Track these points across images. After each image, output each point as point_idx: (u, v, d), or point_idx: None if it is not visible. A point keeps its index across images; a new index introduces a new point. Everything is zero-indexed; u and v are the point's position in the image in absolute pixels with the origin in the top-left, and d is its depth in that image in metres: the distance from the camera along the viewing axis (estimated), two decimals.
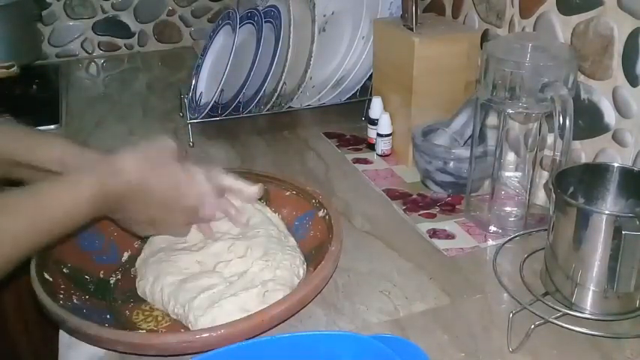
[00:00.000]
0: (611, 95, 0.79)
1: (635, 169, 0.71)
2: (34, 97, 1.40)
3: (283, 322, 0.64)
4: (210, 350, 0.54)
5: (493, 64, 0.76)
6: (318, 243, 0.76)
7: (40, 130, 0.74)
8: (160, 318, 0.69)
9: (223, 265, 0.72)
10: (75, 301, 0.67)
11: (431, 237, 0.84)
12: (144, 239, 0.79)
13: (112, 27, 1.67)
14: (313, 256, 0.75)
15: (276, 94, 1.12)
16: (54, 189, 0.61)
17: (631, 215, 0.61)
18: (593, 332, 0.64)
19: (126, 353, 0.62)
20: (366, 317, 0.70)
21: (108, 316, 0.68)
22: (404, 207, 0.92)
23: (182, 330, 0.67)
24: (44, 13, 1.58)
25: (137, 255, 0.77)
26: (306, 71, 1.11)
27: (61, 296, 0.66)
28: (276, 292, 0.66)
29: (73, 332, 0.61)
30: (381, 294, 0.73)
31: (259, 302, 0.65)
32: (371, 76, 1.15)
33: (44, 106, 1.32)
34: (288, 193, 0.84)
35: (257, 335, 0.61)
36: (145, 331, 0.68)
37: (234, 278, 0.70)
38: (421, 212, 0.90)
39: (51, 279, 0.67)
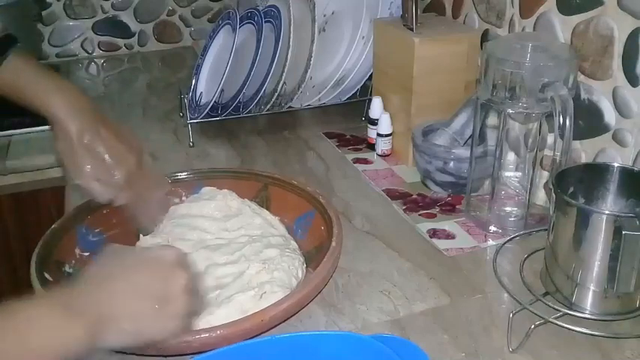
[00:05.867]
0: (611, 95, 0.79)
1: (635, 169, 0.71)
2: None
3: (283, 322, 0.64)
4: (209, 350, 0.54)
5: (493, 64, 0.76)
6: (318, 243, 0.76)
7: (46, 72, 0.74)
8: None
9: (214, 267, 0.72)
10: None
11: (431, 237, 0.84)
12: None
13: (112, 27, 1.67)
14: (313, 256, 0.75)
15: (276, 94, 1.12)
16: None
17: (631, 215, 0.61)
18: (593, 332, 0.64)
19: (126, 353, 0.62)
20: (366, 317, 0.70)
21: None
22: (404, 207, 0.92)
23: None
24: (44, 13, 1.59)
25: None
26: (306, 71, 1.11)
27: None
28: (274, 295, 0.66)
29: None
30: (381, 294, 0.73)
31: (255, 304, 0.65)
32: (371, 76, 1.15)
33: None
34: (288, 193, 0.84)
35: (256, 335, 0.61)
36: None
37: (228, 280, 0.70)
38: (421, 212, 0.90)
39: (51, 279, 0.67)
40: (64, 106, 0.70)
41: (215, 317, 0.64)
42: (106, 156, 0.71)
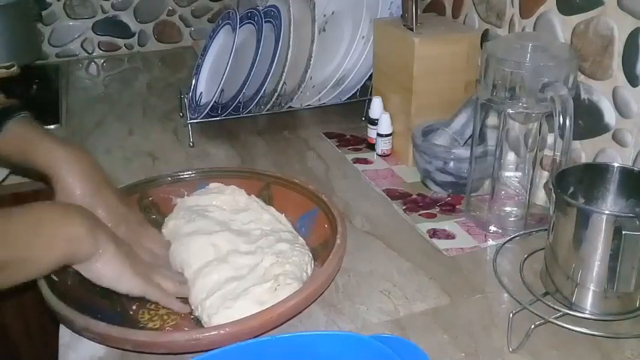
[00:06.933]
0: (611, 95, 0.79)
1: (635, 169, 0.71)
2: (34, 97, 1.40)
3: (288, 320, 0.65)
4: (217, 348, 0.54)
5: (493, 64, 0.76)
6: (322, 241, 0.77)
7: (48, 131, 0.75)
8: (165, 317, 0.70)
9: (235, 255, 0.73)
10: (81, 300, 0.67)
11: (431, 237, 0.84)
12: None
13: (112, 27, 1.67)
14: (319, 254, 0.76)
15: (276, 94, 1.12)
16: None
17: (631, 215, 0.61)
18: (593, 332, 0.64)
19: (133, 351, 0.62)
20: (366, 317, 0.70)
21: (114, 316, 0.68)
22: (404, 207, 0.92)
23: (186, 329, 0.67)
24: (44, 13, 1.58)
25: None
26: (306, 71, 1.11)
27: (68, 296, 0.65)
28: (288, 287, 0.67)
29: (81, 331, 0.61)
30: (381, 294, 0.73)
31: (271, 296, 0.66)
32: (371, 76, 1.15)
33: (44, 106, 1.32)
34: (290, 192, 0.84)
35: (264, 332, 0.61)
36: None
37: (244, 272, 0.70)
38: (421, 212, 0.90)
39: (57, 279, 0.67)
40: (68, 167, 0.71)
41: (234, 311, 0.64)
42: (108, 217, 0.72)
